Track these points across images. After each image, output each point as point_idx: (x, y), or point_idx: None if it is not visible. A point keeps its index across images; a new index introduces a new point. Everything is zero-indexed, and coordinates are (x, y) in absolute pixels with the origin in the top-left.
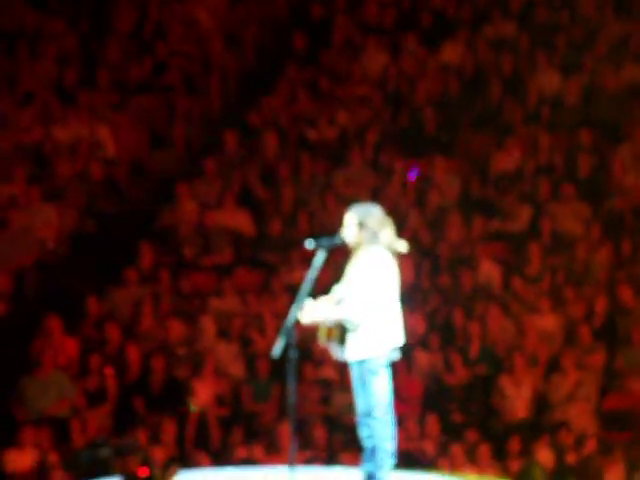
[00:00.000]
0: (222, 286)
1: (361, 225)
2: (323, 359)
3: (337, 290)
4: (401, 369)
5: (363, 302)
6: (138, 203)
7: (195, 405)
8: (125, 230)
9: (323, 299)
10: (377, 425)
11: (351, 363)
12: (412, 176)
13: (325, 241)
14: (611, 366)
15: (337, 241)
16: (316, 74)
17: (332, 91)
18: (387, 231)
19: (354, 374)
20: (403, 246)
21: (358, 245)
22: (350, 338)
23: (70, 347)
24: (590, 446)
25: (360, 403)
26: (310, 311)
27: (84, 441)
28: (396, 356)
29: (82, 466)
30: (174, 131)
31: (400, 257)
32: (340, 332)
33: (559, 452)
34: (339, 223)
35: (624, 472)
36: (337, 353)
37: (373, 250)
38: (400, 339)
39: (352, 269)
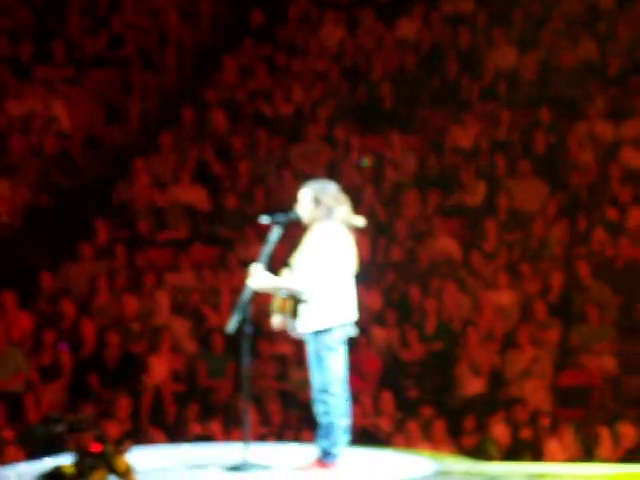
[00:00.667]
0: (178, 261)
1: (316, 201)
2: (278, 335)
3: (293, 265)
4: (357, 345)
5: (316, 274)
6: (93, 178)
7: (149, 380)
8: (80, 205)
9: (280, 273)
10: (332, 401)
11: (307, 338)
12: (363, 161)
13: (281, 217)
14: (566, 342)
15: (293, 217)
16: (272, 49)
17: (288, 66)
18: (343, 207)
19: (310, 349)
20: (359, 221)
21: (313, 221)
22: (304, 311)
23: (24, 322)
24: (544, 422)
25: (315, 379)
26: (262, 278)
27: (38, 416)
28: (353, 332)
29: (36, 441)
30: (129, 105)
31: (356, 234)
32: (293, 305)
33: (514, 428)
34: (295, 199)
35: (577, 448)
36: (290, 327)
37: (328, 225)
38: (354, 315)
39: (306, 243)
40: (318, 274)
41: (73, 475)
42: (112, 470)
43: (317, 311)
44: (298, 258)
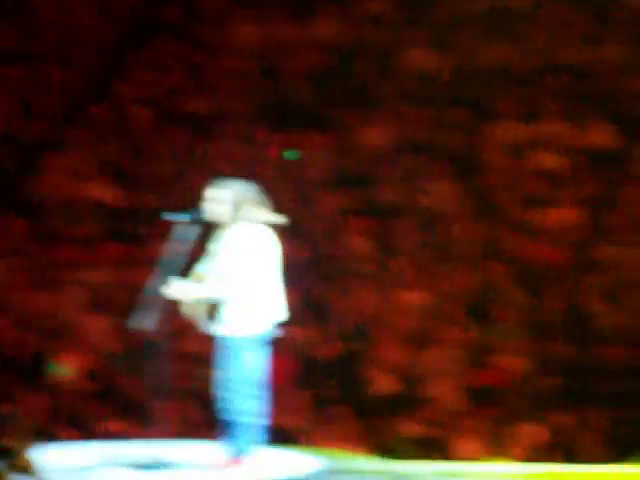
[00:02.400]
0: (90, 258)
1: (233, 201)
2: (192, 333)
3: (207, 266)
4: (272, 345)
5: (235, 277)
6: (4, 173)
7: (60, 375)
8: None
9: (195, 275)
10: (244, 400)
11: (223, 337)
12: (279, 153)
13: (195, 215)
14: (479, 342)
15: (207, 216)
16: (190, 47)
17: (206, 64)
18: (261, 206)
19: (225, 348)
20: (279, 219)
21: (229, 221)
22: (224, 313)
23: None
24: (455, 421)
25: (228, 377)
26: (181, 289)
27: None
28: (273, 332)
29: None
30: (42, 101)
31: (274, 233)
32: (213, 307)
33: (425, 427)
34: (210, 197)
35: (487, 447)
36: (208, 328)
37: (246, 226)
38: (279, 315)
39: (225, 245)
40: (237, 277)
41: None
42: (14, 467)
43: (237, 313)
44: (214, 262)
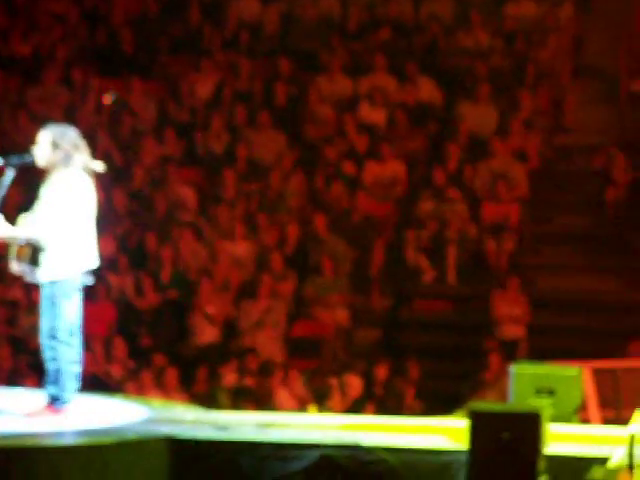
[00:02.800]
0: None
1: (55, 145)
2: (10, 279)
3: (31, 210)
4: (91, 292)
5: (54, 222)
6: None
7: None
8: None
9: (17, 219)
10: (61, 347)
11: (42, 284)
12: (107, 100)
13: (15, 159)
14: (300, 294)
15: (28, 160)
16: None
17: (26, 7)
18: (81, 152)
19: (43, 295)
20: (98, 166)
21: (51, 165)
22: (42, 259)
23: None
24: (276, 372)
25: (46, 325)
26: None
27: None
28: (89, 280)
29: None
30: None
31: (93, 180)
32: (31, 253)
33: (246, 377)
34: (31, 141)
35: (308, 397)
36: (28, 274)
37: (67, 171)
38: (93, 262)
39: (45, 190)
40: (55, 222)
41: None
42: None
43: (54, 259)
44: (38, 205)
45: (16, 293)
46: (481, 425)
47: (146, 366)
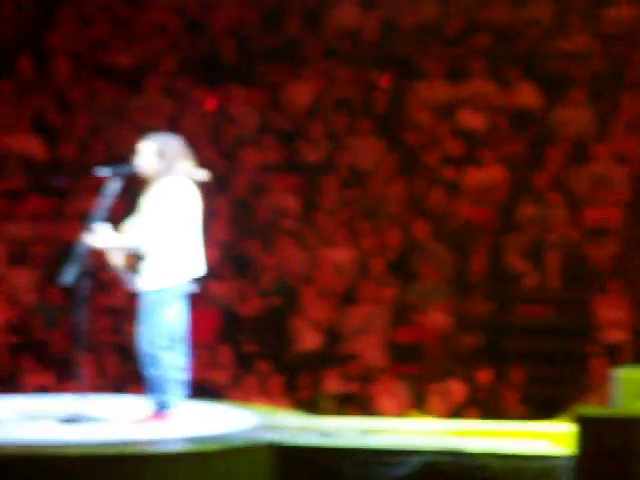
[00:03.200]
0: (14, 212)
1: (159, 155)
2: (114, 287)
3: (133, 219)
4: (195, 299)
5: (157, 231)
6: None
7: None
8: None
9: (120, 227)
10: (163, 355)
11: (144, 292)
12: (211, 105)
13: (119, 169)
14: (402, 300)
15: (132, 170)
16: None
17: (129, 17)
18: (185, 161)
19: (145, 303)
20: (202, 175)
21: (155, 175)
22: (145, 267)
23: None
24: (379, 377)
25: (148, 332)
26: (102, 236)
27: None
28: (193, 287)
29: None
30: None
31: (195, 187)
32: (135, 261)
33: (349, 383)
34: (134, 151)
35: (410, 403)
36: (131, 282)
37: (171, 180)
38: (199, 270)
39: (148, 199)
40: (158, 231)
41: None
42: None
43: (156, 267)
44: (140, 214)
45: (121, 301)
46: (588, 430)
47: (249, 372)
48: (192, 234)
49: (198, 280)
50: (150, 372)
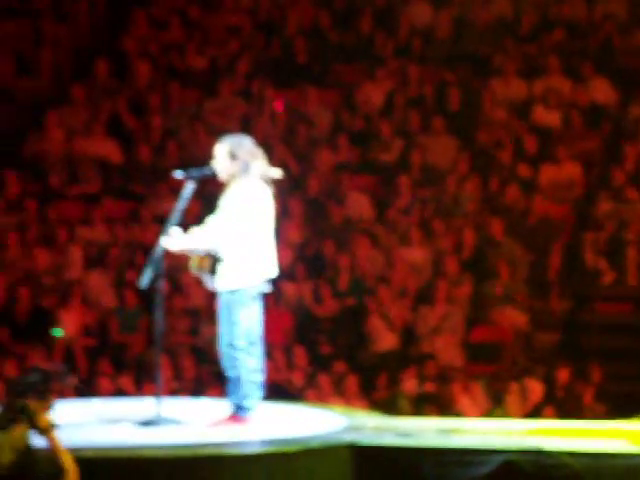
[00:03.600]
0: (90, 215)
1: (232, 156)
2: (191, 289)
3: (210, 221)
4: (270, 300)
5: (232, 232)
6: (4, 130)
7: (60, 332)
8: None
9: (195, 230)
10: (241, 356)
11: (220, 293)
12: (279, 106)
13: (194, 172)
14: (477, 298)
15: (207, 172)
16: (186, 2)
17: (202, 20)
18: (258, 162)
19: (221, 304)
20: (276, 173)
21: (230, 177)
22: (220, 268)
23: None
24: (455, 377)
25: (226, 334)
26: (177, 239)
27: None
28: (267, 288)
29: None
30: (41, 57)
31: (271, 188)
32: (211, 262)
33: (426, 383)
34: (209, 154)
35: (487, 403)
36: (208, 283)
37: (245, 181)
38: (272, 271)
39: (224, 200)
40: (235, 233)
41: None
42: (33, 425)
43: (232, 268)
44: (217, 216)
45: (197, 303)
46: None
47: (326, 373)
48: (266, 235)
49: (272, 281)
50: (228, 374)
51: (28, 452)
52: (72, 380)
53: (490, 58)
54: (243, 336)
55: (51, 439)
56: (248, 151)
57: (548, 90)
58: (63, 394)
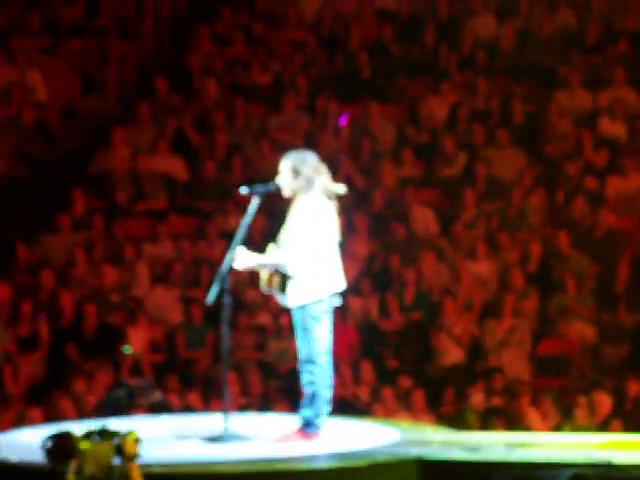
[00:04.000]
0: (156, 232)
1: (296, 172)
2: (258, 306)
3: (278, 237)
4: (336, 315)
5: (299, 249)
6: (70, 148)
7: (129, 349)
8: (57, 176)
9: (270, 247)
10: (318, 371)
11: (293, 309)
12: (343, 121)
13: (260, 187)
14: (545, 312)
15: (272, 188)
16: (250, 18)
17: (266, 35)
18: (322, 177)
19: (295, 320)
20: (340, 189)
21: (294, 192)
22: (290, 284)
23: (1, 293)
24: (523, 391)
25: (301, 349)
26: (242, 258)
27: (17, 388)
28: (337, 302)
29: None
30: (107, 75)
31: (336, 203)
32: (281, 279)
33: (493, 397)
34: (274, 169)
35: (555, 417)
36: (279, 299)
37: (310, 196)
38: (340, 284)
39: (290, 216)
40: (302, 248)
41: (77, 444)
42: (119, 451)
43: (302, 284)
44: (284, 232)
45: (264, 319)
46: None
47: (392, 388)
48: (332, 249)
49: (339, 295)
50: (304, 389)
51: (109, 471)
52: (158, 395)
53: (555, 70)
54: (316, 351)
55: (132, 469)
56: (312, 167)
57: (614, 101)
58: (149, 409)
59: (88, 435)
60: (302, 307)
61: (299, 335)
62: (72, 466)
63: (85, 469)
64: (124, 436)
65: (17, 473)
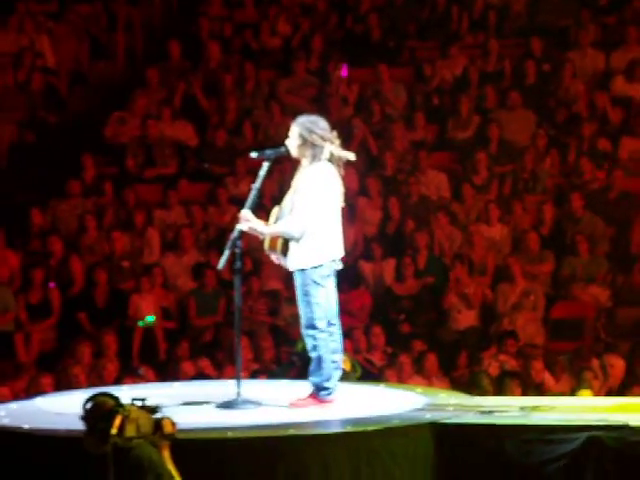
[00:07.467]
0: (167, 198)
1: (304, 137)
2: (269, 271)
3: (285, 202)
4: (348, 280)
5: (303, 217)
6: (80, 114)
7: (149, 320)
8: (67, 141)
9: (271, 210)
10: (320, 336)
11: (294, 273)
12: (344, 73)
13: (270, 152)
14: (558, 275)
15: (282, 151)
16: None
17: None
18: (332, 142)
19: (297, 285)
20: (350, 155)
21: (302, 156)
22: (292, 248)
23: (12, 261)
24: (536, 354)
25: (303, 314)
26: (250, 223)
27: (28, 356)
28: (339, 266)
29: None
30: (115, 40)
31: (346, 169)
32: (283, 242)
33: (507, 361)
34: (284, 133)
35: (569, 380)
36: (281, 262)
37: (317, 162)
38: (340, 251)
39: (296, 181)
40: (304, 218)
41: (121, 405)
42: (157, 427)
43: (304, 249)
44: (289, 198)
45: (276, 284)
46: None
47: (405, 352)
48: (334, 216)
49: (345, 260)
50: (310, 354)
51: (147, 439)
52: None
53: (567, 30)
54: (320, 315)
55: (166, 448)
56: (321, 132)
57: (628, 61)
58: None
59: (132, 401)
60: (303, 271)
61: (300, 300)
62: (115, 423)
63: (126, 430)
64: (164, 416)
65: (31, 441)
